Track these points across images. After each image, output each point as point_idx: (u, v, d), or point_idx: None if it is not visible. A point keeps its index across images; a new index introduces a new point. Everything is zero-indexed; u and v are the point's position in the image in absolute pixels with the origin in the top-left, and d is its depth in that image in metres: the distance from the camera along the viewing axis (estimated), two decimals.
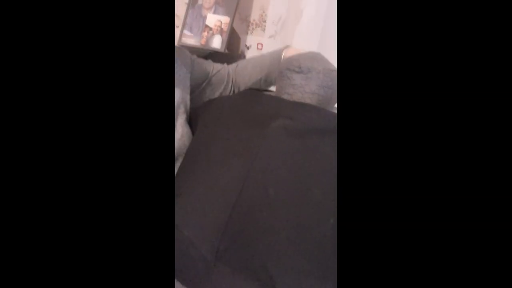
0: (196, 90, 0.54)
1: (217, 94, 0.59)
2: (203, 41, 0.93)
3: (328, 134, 0.38)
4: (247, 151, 0.38)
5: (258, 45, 1.23)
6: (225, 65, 0.64)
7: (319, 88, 0.43)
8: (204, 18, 0.94)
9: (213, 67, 0.62)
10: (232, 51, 1.09)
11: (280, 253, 0.34)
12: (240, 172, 0.37)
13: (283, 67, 0.47)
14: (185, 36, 0.98)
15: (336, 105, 0.50)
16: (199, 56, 0.88)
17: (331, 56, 0.53)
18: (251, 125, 0.40)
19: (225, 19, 0.90)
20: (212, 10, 0.92)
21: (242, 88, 0.59)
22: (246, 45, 1.23)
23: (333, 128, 0.38)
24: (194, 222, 0.42)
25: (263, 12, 1.07)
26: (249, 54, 1.22)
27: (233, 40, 1.07)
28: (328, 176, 0.36)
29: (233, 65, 0.63)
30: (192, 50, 0.99)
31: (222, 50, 0.90)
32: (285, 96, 0.46)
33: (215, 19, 0.91)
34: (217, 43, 0.91)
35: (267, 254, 0.34)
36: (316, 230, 0.34)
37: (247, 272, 0.37)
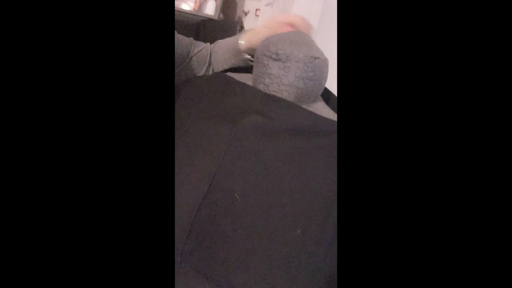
0: (175, 70, 0.49)
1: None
2: (195, 6, 0.87)
3: (301, 136, 0.35)
4: (216, 149, 0.35)
5: (257, 11, 1.15)
6: (208, 44, 0.56)
7: (298, 80, 0.38)
8: None
9: (194, 46, 0.55)
10: (228, 17, 1.02)
11: (243, 263, 0.33)
12: (206, 173, 0.35)
13: (259, 52, 0.40)
14: (177, 0, 0.91)
15: (319, 96, 0.44)
16: (191, 23, 0.83)
17: (333, 28, 0.47)
18: (221, 120, 0.37)
19: None
20: None
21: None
22: (244, 11, 1.15)
23: (308, 129, 0.35)
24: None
25: None
26: (247, 21, 1.15)
27: (230, 4, 0.99)
28: (298, 182, 0.33)
29: (213, 45, 0.56)
30: (184, 16, 0.93)
31: (216, 17, 0.85)
32: (261, 86, 0.40)
33: None
34: (210, 9, 0.85)
35: (229, 263, 0.33)
36: (282, 242, 0.32)
37: (210, 277, 0.35)
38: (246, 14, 1.14)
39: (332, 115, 0.41)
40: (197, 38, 0.90)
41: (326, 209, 0.33)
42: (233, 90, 0.39)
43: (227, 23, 1.01)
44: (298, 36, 0.40)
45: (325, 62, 0.41)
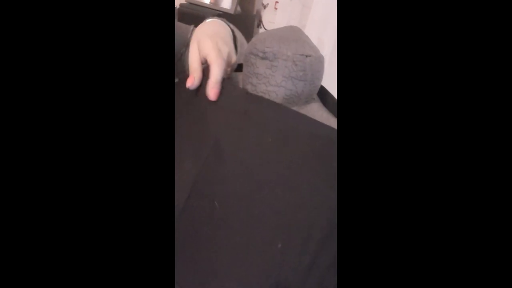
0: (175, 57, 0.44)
1: None
2: (213, 0, 0.85)
3: (288, 140, 0.32)
4: (198, 152, 0.34)
5: (276, 3, 1.11)
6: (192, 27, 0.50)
7: (286, 80, 0.35)
8: None
9: (192, 32, 0.50)
10: (246, 11, 0.99)
11: (222, 274, 0.32)
12: (188, 177, 0.33)
13: (247, 51, 0.38)
14: None
15: (315, 96, 0.40)
16: (207, 16, 0.81)
17: None
18: (205, 123, 0.35)
19: None
20: None
21: None
22: (263, 3, 1.11)
23: (296, 133, 0.31)
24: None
25: None
26: (266, 14, 1.11)
27: (245, 2, 0.96)
28: (282, 190, 0.31)
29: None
30: (201, 9, 0.91)
31: (232, 11, 0.82)
32: (249, 87, 0.37)
33: None
34: (227, 2, 0.82)
35: (210, 273, 0.32)
36: (260, 255, 0.31)
37: (184, 285, 0.34)
38: (265, 7, 1.10)
39: (327, 118, 0.37)
40: None
41: (310, 221, 0.31)
42: (221, 91, 0.36)
43: (244, 17, 0.98)
44: (290, 32, 0.37)
45: (318, 60, 0.37)
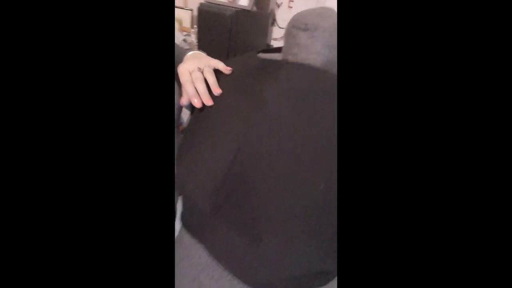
0: None
1: None
2: None
3: (325, 97, 0.37)
4: (246, 114, 0.39)
5: (290, 2, 1.14)
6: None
7: (324, 48, 0.41)
8: None
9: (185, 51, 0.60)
10: (261, 9, 1.02)
11: (269, 213, 0.36)
12: (238, 134, 0.39)
13: (290, 26, 0.44)
14: None
15: None
16: (225, 14, 0.85)
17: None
18: (251, 90, 0.41)
19: None
20: None
21: None
22: (276, 2, 1.15)
23: (332, 90, 0.37)
24: (196, 178, 0.45)
25: None
26: (279, 12, 1.14)
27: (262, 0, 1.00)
28: (322, 140, 0.36)
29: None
30: (219, 8, 0.95)
31: (250, 8, 0.86)
32: (290, 57, 0.43)
33: None
34: (244, 0, 0.86)
35: (257, 213, 0.37)
36: (305, 196, 0.35)
37: (239, 227, 0.40)
38: (278, 6, 1.14)
39: None
40: (230, 29, 0.92)
41: None
42: (261, 65, 0.43)
43: (259, 15, 1.02)
44: (324, 10, 0.44)
45: None
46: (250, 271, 0.43)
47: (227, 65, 0.50)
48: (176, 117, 0.46)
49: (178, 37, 1.08)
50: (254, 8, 0.99)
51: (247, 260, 0.42)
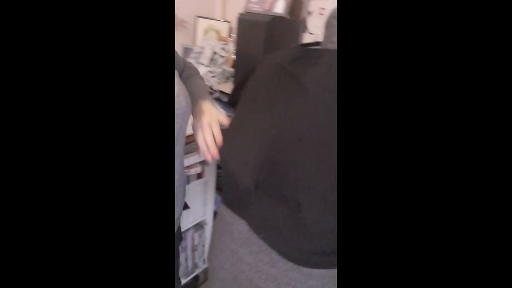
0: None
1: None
2: (267, 7, 0.98)
3: None
4: (288, 98, 0.44)
5: (321, 9, 1.22)
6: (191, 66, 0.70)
7: None
8: None
9: (185, 61, 0.70)
10: (294, 17, 1.10)
11: (307, 184, 0.40)
12: (280, 117, 0.43)
13: (330, 17, 0.49)
14: (250, 2, 1.04)
15: None
16: (261, 21, 0.94)
17: None
18: (293, 76, 0.45)
19: None
20: None
21: None
22: (308, 11, 1.23)
23: None
24: (239, 156, 0.49)
25: None
26: (310, 20, 1.22)
27: (296, 5, 1.08)
28: None
29: (188, 72, 0.69)
30: (257, 16, 1.04)
31: (285, 15, 0.94)
32: (330, 45, 0.48)
33: None
34: (280, 7, 0.94)
35: (296, 185, 0.41)
36: (332, 169, 0.40)
37: (280, 199, 0.43)
38: (310, 13, 1.21)
39: None
40: (266, 36, 1.00)
41: None
42: (302, 54, 0.49)
43: (292, 22, 1.10)
44: None
45: None
46: (289, 241, 0.48)
47: (270, 57, 0.57)
48: (180, 125, 0.52)
49: (218, 45, 1.18)
50: (288, 16, 1.07)
51: (287, 230, 0.46)
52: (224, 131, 0.57)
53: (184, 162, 0.61)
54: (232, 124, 0.56)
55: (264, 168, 0.45)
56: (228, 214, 0.59)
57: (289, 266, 0.48)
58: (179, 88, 0.50)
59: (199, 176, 1.09)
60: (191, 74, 0.67)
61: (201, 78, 0.68)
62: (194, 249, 1.20)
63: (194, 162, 1.01)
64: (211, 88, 1.15)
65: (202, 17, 1.30)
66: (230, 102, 0.76)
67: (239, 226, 0.56)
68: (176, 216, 0.59)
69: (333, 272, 0.48)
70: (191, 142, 0.97)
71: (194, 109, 0.59)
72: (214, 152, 0.53)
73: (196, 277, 1.30)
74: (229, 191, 0.59)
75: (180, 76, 0.66)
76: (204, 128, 0.54)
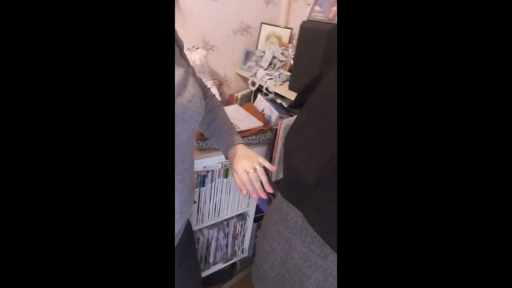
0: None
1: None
2: (330, 16, 1.01)
3: None
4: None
5: None
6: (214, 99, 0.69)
7: None
8: None
9: (205, 86, 0.68)
10: None
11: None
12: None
13: None
14: (314, 11, 1.09)
15: None
16: (324, 29, 0.98)
17: None
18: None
19: None
20: None
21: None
22: None
23: None
24: (303, 153, 0.54)
25: None
26: None
27: None
28: None
29: (212, 108, 0.66)
30: (319, 24, 1.09)
31: None
32: None
33: None
34: None
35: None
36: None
37: (333, 196, 0.48)
38: None
39: None
40: (326, 43, 1.04)
41: None
42: None
43: None
44: None
45: None
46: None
47: (334, 71, 0.61)
48: (194, 126, 0.52)
49: (278, 50, 1.26)
50: None
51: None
52: (291, 126, 0.63)
53: (194, 161, 0.62)
54: (298, 121, 0.62)
55: (327, 168, 0.50)
56: (285, 205, 0.65)
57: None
58: (194, 88, 0.50)
59: None
60: (216, 106, 0.67)
61: (225, 112, 0.67)
62: (235, 237, 1.29)
63: None
64: (267, 89, 1.22)
65: (266, 24, 1.39)
66: (295, 103, 0.82)
67: (295, 217, 0.61)
68: (184, 215, 0.58)
69: None
70: (241, 137, 1.05)
71: (230, 152, 0.61)
72: (263, 193, 0.56)
73: (234, 264, 1.38)
74: (289, 184, 0.64)
75: (205, 97, 0.65)
76: (249, 172, 0.56)
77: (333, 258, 0.52)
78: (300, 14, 1.36)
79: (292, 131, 0.63)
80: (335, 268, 0.52)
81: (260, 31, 1.40)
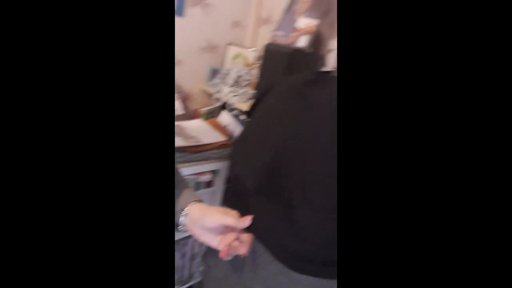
0: None
1: None
2: (291, 40, 1.09)
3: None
4: (295, 115, 0.51)
5: None
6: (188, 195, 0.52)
7: None
8: (296, 21, 1.10)
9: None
10: (315, 51, 1.21)
11: (303, 187, 0.45)
12: (286, 129, 0.50)
13: None
14: (276, 36, 1.16)
15: None
16: (284, 52, 1.04)
17: None
18: (302, 96, 0.52)
19: (313, 23, 1.04)
20: (305, 14, 1.08)
21: None
22: (328, 49, 1.34)
23: None
24: (246, 161, 0.55)
25: None
26: (330, 57, 1.33)
27: (318, 42, 1.19)
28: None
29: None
30: (281, 46, 1.16)
31: (307, 49, 1.04)
32: (334, 73, 0.56)
33: (305, 22, 1.06)
34: (303, 42, 1.05)
35: (292, 188, 0.45)
36: (331, 175, 0.44)
37: (277, 201, 0.48)
38: (329, 52, 1.32)
39: None
40: (287, 65, 1.10)
41: None
42: (315, 77, 0.57)
43: (313, 56, 1.21)
44: None
45: None
46: (282, 242, 0.51)
47: (287, 79, 0.65)
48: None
49: (243, 70, 1.30)
50: (309, 50, 1.18)
51: (281, 231, 0.50)
52: (236, 138, 0.64)
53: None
54: (244, 132, 0.63)
55: (267, 173, 0.51)
56: None
57: (279, 270, 0.51)
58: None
59: (209, 184, 1.14)
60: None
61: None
62: (192, 258, 1.22)
63: (205, 170, 1.07)
64: (232, 105, 1.24)
65: (233, 44, 1.44)
66: (248, 115, 0.84)
67: None
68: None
69: (322, 283, 0.50)
70: (203, 150, 1.04)
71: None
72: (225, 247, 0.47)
73: (190, 287, 1.29)
74: (230, 193, 0.64)
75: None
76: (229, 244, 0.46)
77: (273, 267, 0.51)
78: (265, 37, 1.44)
79: (236, 142, 0.64)
80: (275, 278, 0.50)
81: (226, 51, 1.44)
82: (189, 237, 1.18)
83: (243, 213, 0.57)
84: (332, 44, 1.28)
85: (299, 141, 0.49)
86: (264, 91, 0.70)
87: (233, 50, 1.44)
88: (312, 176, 0.46)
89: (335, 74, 0.56)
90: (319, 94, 0.52)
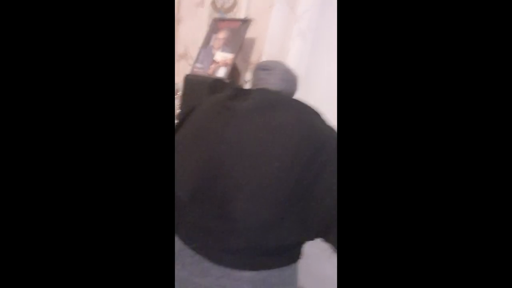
0: None
1: None
2: (210, 71, 1.18)
3: (279, 106, 0.53)
4: (222, 124, 0.55)
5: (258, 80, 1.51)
6: None
7: (280, 81, 0.61)
8: (213, 55, 1.20)
9: None
10: (233, 81, 1.34)
11: (234, 182, 0.49)
12: (216, 138, 0.54)
13: (255, 68, 0.68)
14: (196, 68, 1.24)
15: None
16: (205, 82, 1.12)
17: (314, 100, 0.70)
18: (226, 109, 0.57)
19: (230, 56, 1.16)
20: (220, 49, 1.20)
21: None
22: (244, 80, 1.50)
23: (284, 103, 0.54)
24: (177, 175, 0.55)
25: (260, 56, 1.35)
26: (246, 86, 1.48)
27: (235, 74, 1.33)
28: (277, 133, 0.50)
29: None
30: (201, 77, 1.24)
31: (225, 79, 1.15)
32: (256, 86, 0.65)
33: (222, 56, 1.18)
34: (221, 73, 1.15)
35: (226, 187, 0.49)
36: (264, 171, 0.49)
37: (211, 203, 0.50)
38: (246, 82, 1.48)
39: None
40: (208, 94, 1.18)
41: (292, 154, 0.51)
42: (234, 92, 0.64)
43: (231, 86, 1.33)
44: (276, 61, 0.69)
45: (295, 74, 0.69)
46: (218, 242, 0.53)
47: (209, 98, 0.70)
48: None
49: None
50: (227, 81, 1.30)
51: (215, 230, 0.52)
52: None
53: None
54: (176, 153, 0.64)
55: (199, 179, 0.53)
56: None
57: (220, 273, 0.51)
58: None
59: None
60: None
61: None
62: None
63: None
64: None
65: None
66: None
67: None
68: None
69: (263, 275, 0.52)
70: None
71: None
72: None
73: None
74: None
75: None
76: None
77: (213, 272, 0.51)
78: (184, 71, 1.50)
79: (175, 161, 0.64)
80: (217, 283, 0.50)
81: None
82: None
83: (178, 226, 0.56)
84: (247, 76, 1.44)
85: (227, 145, 0.54)
86: (189, 111, 0.74)
87: None
88: (243, 172, 0.50)
89: (254, 88, 0.65)
90: (241, 105, 0.59)
